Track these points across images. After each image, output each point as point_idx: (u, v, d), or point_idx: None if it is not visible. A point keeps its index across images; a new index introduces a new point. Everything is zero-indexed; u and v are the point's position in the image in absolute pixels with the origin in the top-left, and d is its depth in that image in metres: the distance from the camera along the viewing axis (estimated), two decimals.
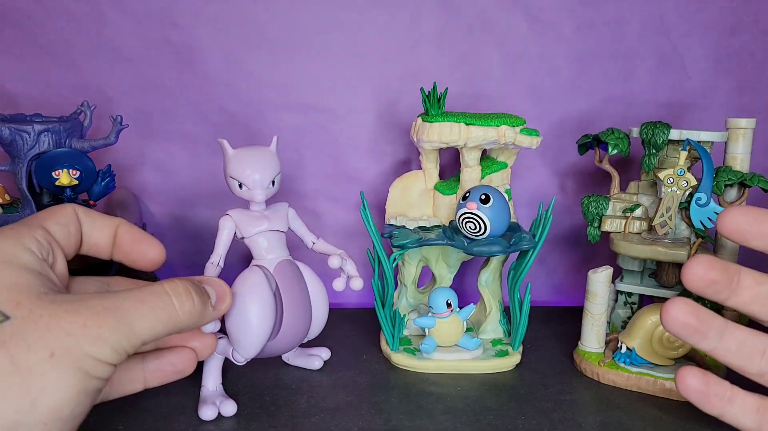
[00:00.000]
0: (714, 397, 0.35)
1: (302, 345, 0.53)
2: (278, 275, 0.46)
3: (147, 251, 0.38)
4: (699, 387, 0.35)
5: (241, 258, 0.53)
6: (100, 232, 0.37)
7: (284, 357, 0.53)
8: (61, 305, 0.29)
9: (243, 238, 0.46)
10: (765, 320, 0.34)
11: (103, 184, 0.52)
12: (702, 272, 0.33)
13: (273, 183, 0.46)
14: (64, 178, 0.48)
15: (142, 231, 0.39)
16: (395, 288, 0.59)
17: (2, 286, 0.28)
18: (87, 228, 0.37)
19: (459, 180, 0.56)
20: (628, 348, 0.51)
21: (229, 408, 0.44)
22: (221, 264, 0.45)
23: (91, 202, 0.51)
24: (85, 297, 0.30)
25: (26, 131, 0.48)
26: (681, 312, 0.34)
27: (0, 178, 0.55)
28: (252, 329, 0.43)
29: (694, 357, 0.51)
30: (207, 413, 0.44)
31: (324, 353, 0.53)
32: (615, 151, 0.56)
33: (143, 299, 0.32)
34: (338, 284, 0.48)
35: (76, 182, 0.49)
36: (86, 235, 0.37)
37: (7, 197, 0.52)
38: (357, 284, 0.48)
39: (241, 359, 0.45)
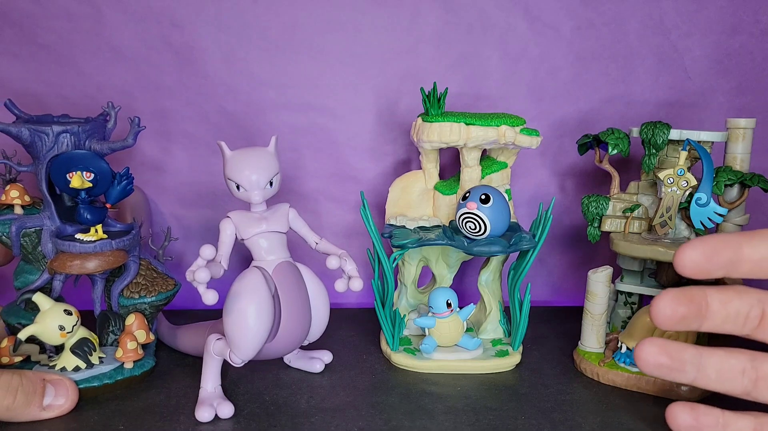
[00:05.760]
0: (707, 428, 0.35)
1: (304, 348, 0.53)
2: (277, 277, 0.46)
3: None
4: (690, 422, 0.35)
5: (241, 259, 0.53)
6: None
7: (285, 359, 0.53)
8: None
9: (243, 240, 0.46)
10: (743, 335, 0.34)
11: (119, 187, 0.50)
12: (670, 311, 0.33)
13: (271, 184, 0.46)
14: (76, 180, 0.47)
15: None
16: (395, 288, 0.59)
17: None
18: None
19: (459, 180, 0.56)
20: (628, 348, 0.51)
21: (226, 410, 0.44)
22: (225, 264, 0.45)
23: (108, 205, 0.50)
24: None
25: (45, 132, 0.47)
26: (651, 355, 0.34)
27: (23, 179, 0.55)
28: (249, 331, 0.43)
29: None
30: (203, 414, 0.44)
31: (326, 356, 0.53)
32: (615, 151, 0.56)
33: None
34: (339, 285, 0.48)
35: (90, 185, 0.48)
36: None
37: (26, 198, 0.52)
38: (356, 285, 0.47)
39: (238, 361, 0.45)
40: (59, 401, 0.43)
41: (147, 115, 0.63)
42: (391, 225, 0.55)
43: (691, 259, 0.33)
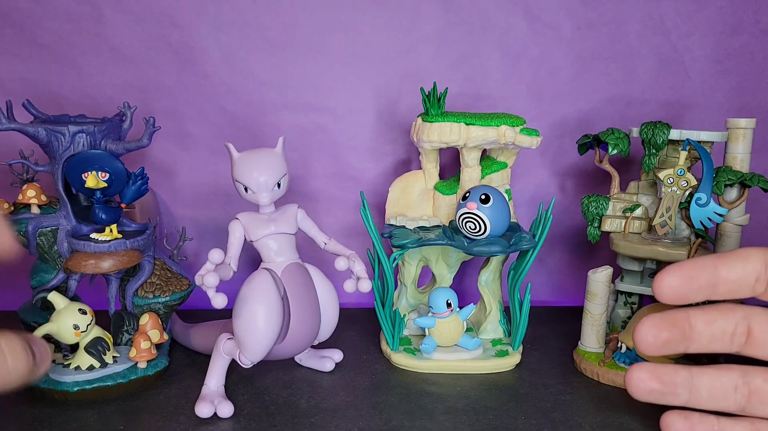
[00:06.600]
0: None
1: (315, 347, 0.53)
2: (286, 278, 0.46)
3: None
4: None
5: (249, 260, 0.53)
6: None
7: (296, 358, 0.53)
8: None
9: (252, 242, 0.46)
10: (733, 353, 0.34)
11: (134, 187, 0.50)
12: (652, 338, 0.32)
13: (279, 185, 0.46)
14: (91, 180, 0.48)
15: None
16: (395, 288, 0.59)
17: None
18: None
19: (459, 180, 0.56)
20: (628, 348, 0.51)
21: (226, 409, 0.44)
22: (234, 266, 0.45)
23: (123, 205, 0.50)
24: None
25: (62, 132, 0.48)
26: (642, 381, 0.33)
27: (40, 179, 0.55)
28: (258, 333, 0.43)
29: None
30: (203, 411, 0.44)
31: (336, 355, 0.53)
32: (615, 151, 0.56)
33: None
34: (348, 286, 0.48)
35: (105, 185, 0.48)
36: None
37: (43, 197, 0.52)
38: (364, 286, 0.47)
39: (247, 362, 0.45)
40: (43, 364, 0.40)
41: (147, 115, 0.63)
42: (391, 225, 0.55)
43: (669, 286, 0.32)
